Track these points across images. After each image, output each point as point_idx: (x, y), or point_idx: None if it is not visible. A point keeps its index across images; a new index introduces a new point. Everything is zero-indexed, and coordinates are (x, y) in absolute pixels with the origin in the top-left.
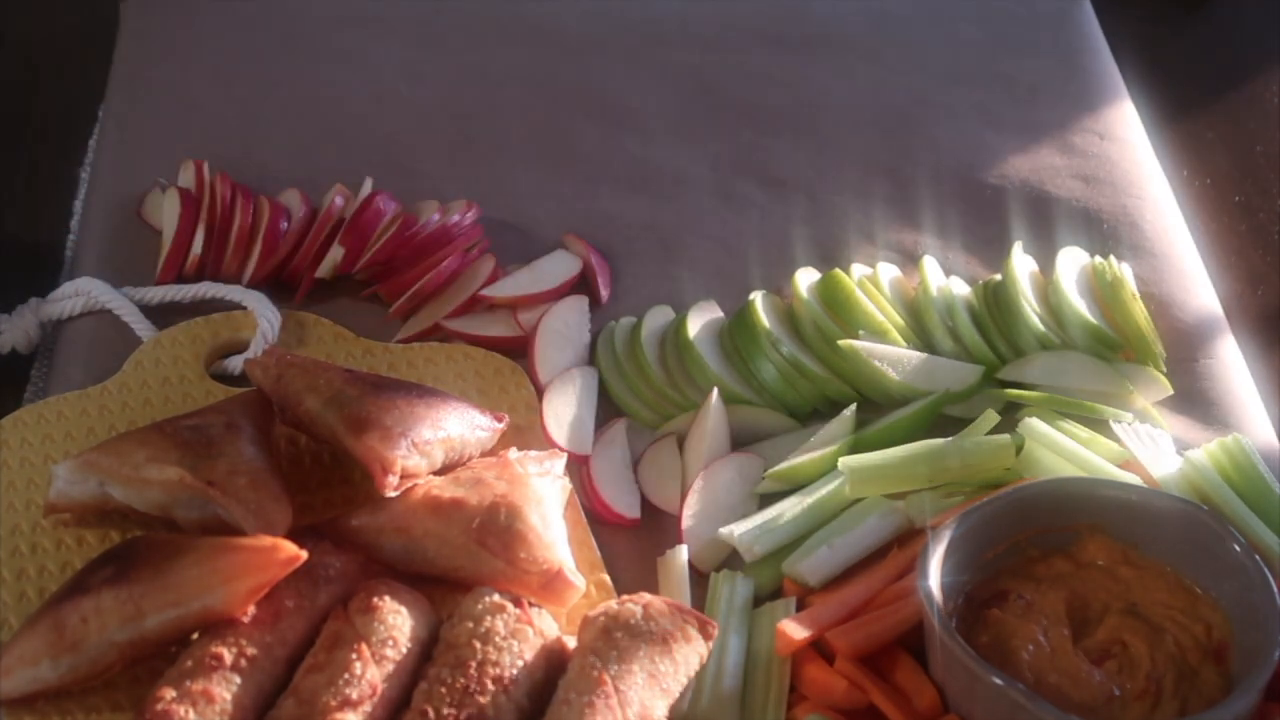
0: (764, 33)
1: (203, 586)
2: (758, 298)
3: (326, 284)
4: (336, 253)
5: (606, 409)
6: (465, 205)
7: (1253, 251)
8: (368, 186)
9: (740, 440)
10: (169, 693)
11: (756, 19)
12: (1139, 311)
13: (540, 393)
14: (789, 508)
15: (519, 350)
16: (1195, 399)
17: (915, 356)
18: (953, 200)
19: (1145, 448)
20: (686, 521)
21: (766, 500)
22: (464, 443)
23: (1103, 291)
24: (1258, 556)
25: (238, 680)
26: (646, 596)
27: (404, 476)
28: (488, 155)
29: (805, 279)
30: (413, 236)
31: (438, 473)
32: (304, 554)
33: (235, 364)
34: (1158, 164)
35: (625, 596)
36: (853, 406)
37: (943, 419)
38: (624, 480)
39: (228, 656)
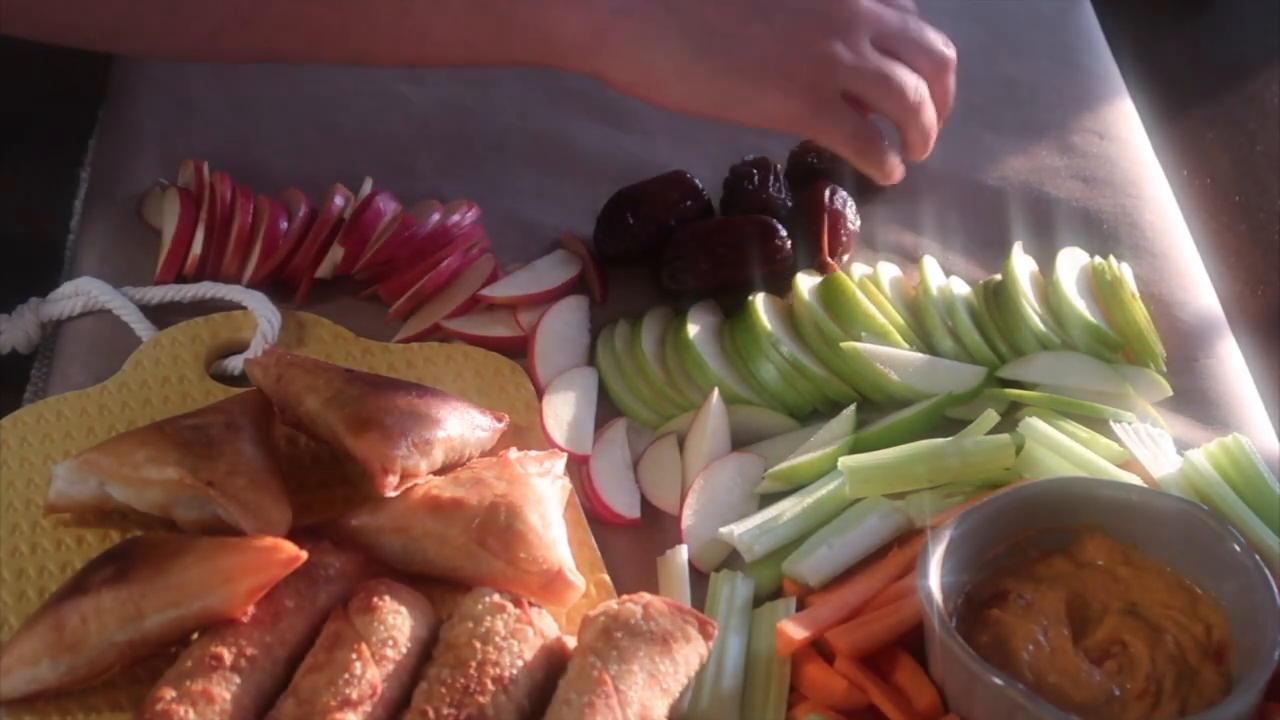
0: None
1: (203, 586)
2: (758, 298)
3: (326, 284)
4: (336, 253)
5: (606, 409)
6: (465, 205)
7: (1253, 251)
8: (368, 186)
9: (740, 440)
10: (169, 693)
11: None
12: (1139, 311)
13: (540, 393)
14: (789, 508)
15: (519, 350)
16: (1195, 399)
17: (917, 358)
18: (953, 201)
19: (1145, 448)
20: (686, 521)
21: (766, 500)
22: (464, 443)
23: (1103, 291)
24: (1258, 556)
25: (238, 680)
26: (646, 596)
27: (404, 476)
28: (488, 155)
29: (806, 280)
30: (412, 236)
31: (438, 473)
32: (304, 554)
33: (235, 364)
34: (1158, 164)
35: (625, 596)
36: (853, 406)
37: (942, 419)
38: (624, 480)
39: (228, 656)
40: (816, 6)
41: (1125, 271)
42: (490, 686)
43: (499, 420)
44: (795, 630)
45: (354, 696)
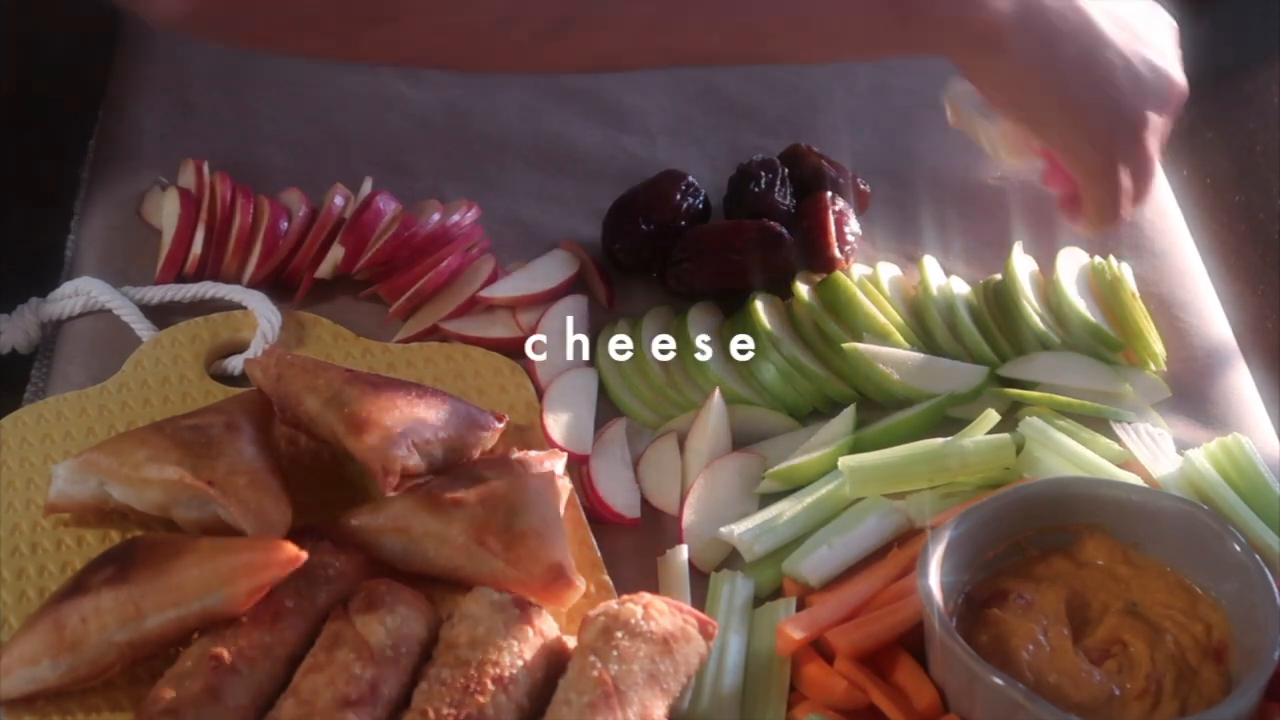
0: None
1: (203, 586)
2: (758, 299)
3: (326, 284)
4: (336, 253)
5: (606, 409)
6: (465, 205)
7: (1253, 251)
8: (368, 186)
9: (740, 440)
10: (169, 693)
11: None
12: (1139, 311)
13: (540, 393)
14: (789, 508)
15: (519, 350)
16: (1195, 399)
17: (918, 358)
18: (953, 201)
19: (1145, 448)
20: (686, 521)
21: (766, 500)
22: (464, 443)
23: (1103, 291)
24: (1258, 556)
25: (238, 680)
26: (646, 596)
27: (404, 476)
28: (488, 155)
29: (806, 281)
30: (412, 236)
31: (438, 473)
32: (304, 554)
33: (235, 364)
34: None
35: (625, 596)
36: (853, 406)
37: (943, 419)
38: (624, 480)
39: (228, 656)
40: (1160, 92)
41: (1125, 271)
42: (490, 686)
43: (499, 420)
44: (795, 630)
45: (354, 696)
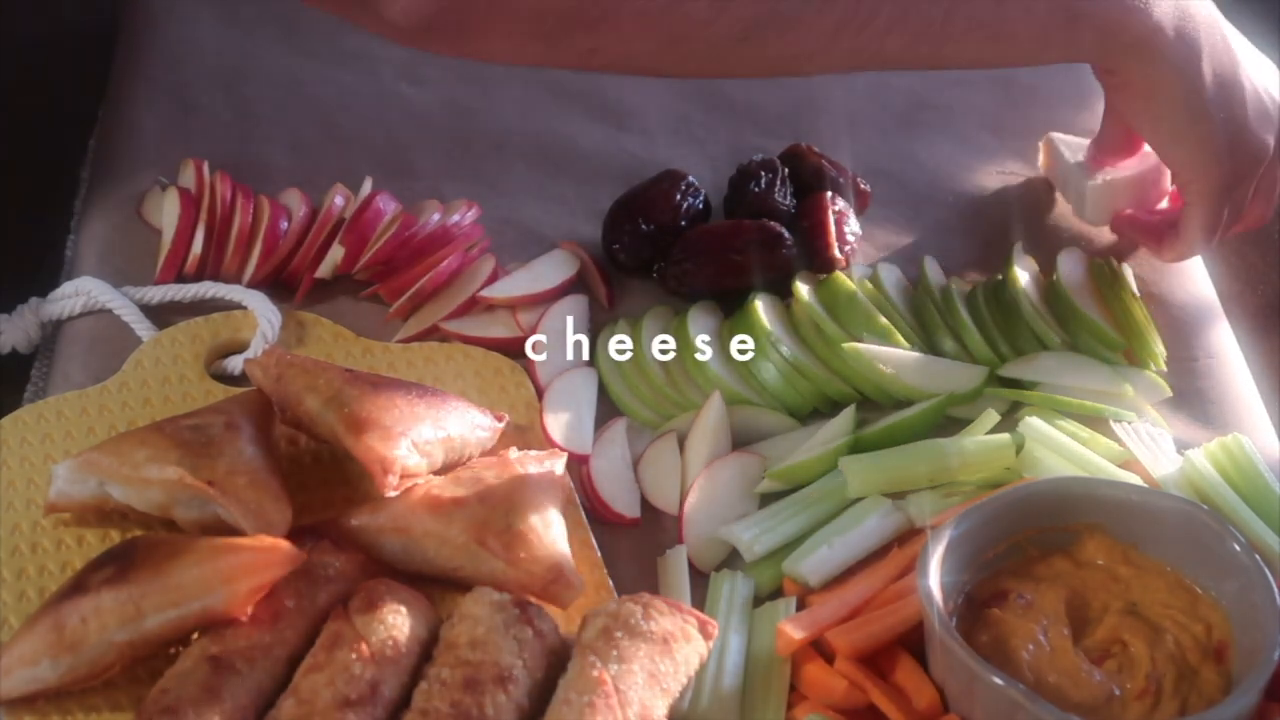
0: None
1: (203, 586)
2: (758, 299)
3: (326, 284)
4: (336, 253)
5: (606, 409)
6: (465, 205)
7: (1252, 251)
8: (368, 186)
9: (740, 440)
10: (169, 693)
11: None
12: (1139, 311)
13: (540, 393)
14: (789, 508)
15: (519, 350)
16: (1195, 399)
17: (918, 358)
18: (953, 200)
19: (1145, 448)
20: (686, 521)
21: (766, 500)
22: (464, 443)
23: (1103, 291)
24: (1258, 556)
25: (238, 680)
26: (646, 596)
27: (404, 476)
28: (488, 155)
29: (806, 281)
30: (412, 236)
31: (438, 473)
32: (304, 554)
33: (235, 364)
34: None
35: (625, 596)
36: (853, 406)
37: (943, 418)
38: (624, 480)
39: (228, 657)
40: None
41: (1125, 271)
42: (490, 686)
43: (499, 420)
44: (795, 630)
45: (354, 696)
